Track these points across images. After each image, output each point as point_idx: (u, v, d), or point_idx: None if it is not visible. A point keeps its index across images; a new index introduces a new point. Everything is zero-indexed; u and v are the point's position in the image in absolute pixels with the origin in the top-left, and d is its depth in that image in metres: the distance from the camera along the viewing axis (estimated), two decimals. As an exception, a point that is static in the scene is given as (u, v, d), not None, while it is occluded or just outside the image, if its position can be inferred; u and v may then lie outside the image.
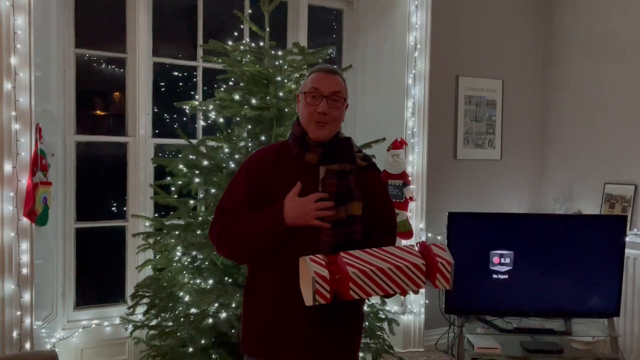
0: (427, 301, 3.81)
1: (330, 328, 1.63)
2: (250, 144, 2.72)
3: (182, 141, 2.89)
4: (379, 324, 2.86)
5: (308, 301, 1.44)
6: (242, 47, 2.86)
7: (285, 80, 2.79)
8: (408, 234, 3.59)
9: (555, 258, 3.23)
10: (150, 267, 2.96)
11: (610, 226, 3.24)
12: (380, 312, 2.91)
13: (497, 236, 3.26)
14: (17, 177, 2.56)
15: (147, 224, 2.99)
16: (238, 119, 2.77)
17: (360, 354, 2.66)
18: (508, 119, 4.35)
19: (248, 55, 2.81)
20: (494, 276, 3.25)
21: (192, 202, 2.80)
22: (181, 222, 2.74)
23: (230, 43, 2.89)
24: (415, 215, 3.74)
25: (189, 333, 2.50)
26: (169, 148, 3.19)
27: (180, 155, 2.81)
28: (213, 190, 2.69)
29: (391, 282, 1.47)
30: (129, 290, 3.31)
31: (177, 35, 3.67)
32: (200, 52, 3.46)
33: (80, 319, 3.25)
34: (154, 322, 2.71)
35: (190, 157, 2.73)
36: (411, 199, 3.60)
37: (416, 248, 1.57)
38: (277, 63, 2.78)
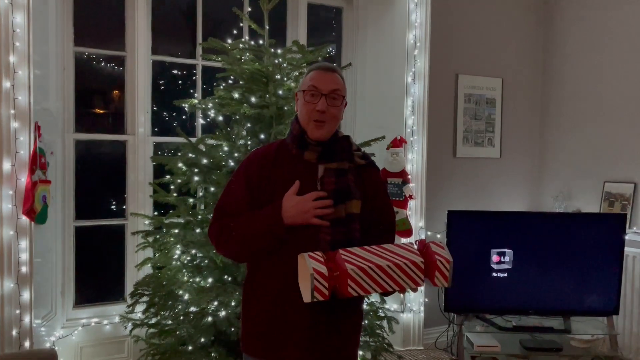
0: (426, 299, 3.82)
1: (329, 326, 1.62)
2: (249, 142, 2.71)
3: (181, 139, 2.89)
4: (378, 322, 2.86)
5: (306, 298, 1.44)
6: (241, 45, 2.85)
7: (285, 79, 2.78)
8: (407, 232, 3.59)
9: (555, 256, 3.23)
10: (149, 265, 2.96)
11: (609, 224, 3.24)
12: (380, 311, 2.91)
13: (496, 234, 3.26)
14: (16, 175, 2.56)
15: (147, 222, 2.99)
16: (237, 117, 2.77)
17: (360, 352, 2.66)
18: (507, 117, 4.35)
19: (247, 54, 2.81)
20: (494, 274, 3.25)
21: (191, 200, 2.80)
22: (180, 220, 2.74)
23: (229, 41, 2.88)
24: (414, 213, 3.74)
25: (189, 331, 2.50)
26: (168, 146, 3.20)
27: (179, 154, 2.80)
28: (212, 189, 2.69)
29: (390, 280, 1.47)
30: (129, 288, 3.31)
31: (177, 33, 3.67)
32: (199, 50, 3.46)
33: (79, 317, 3.25)
34: (153, 321, 2.71)
35: (190, 155, 2.73)
36: (411, 197, 3.60)
37: (415, 246, 1.56)
38: (276, 61, 2.78)
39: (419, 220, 3.78)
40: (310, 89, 1.64)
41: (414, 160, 3.76)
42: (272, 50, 2.81)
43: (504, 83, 4.32)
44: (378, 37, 3.97)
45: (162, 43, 3.46)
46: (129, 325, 2.82)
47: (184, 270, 2.72)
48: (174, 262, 2.79)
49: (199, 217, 2.70)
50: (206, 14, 3.51)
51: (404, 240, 3.56)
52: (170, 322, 2.65)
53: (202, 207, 2.81)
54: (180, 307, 2.60)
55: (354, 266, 1.43)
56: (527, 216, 3.59)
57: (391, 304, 3.65)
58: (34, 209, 2.60)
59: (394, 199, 3.52)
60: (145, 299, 2.73)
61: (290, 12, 3.85)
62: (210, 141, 2.83)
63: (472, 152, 4.21)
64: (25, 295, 2.61)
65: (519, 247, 3.24)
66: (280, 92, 2.71)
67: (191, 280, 2.67)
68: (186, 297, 2.59)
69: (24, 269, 2.60)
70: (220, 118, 2.89)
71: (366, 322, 2.76)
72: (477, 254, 3.25)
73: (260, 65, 2.76)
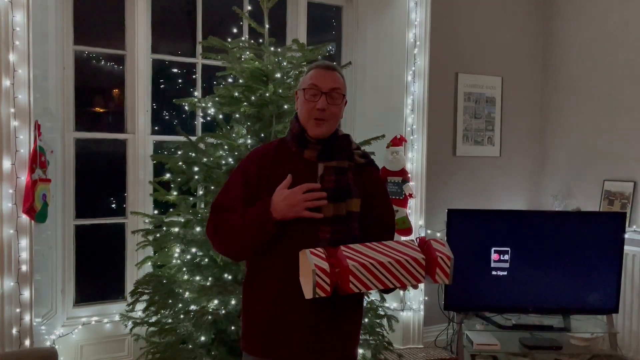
0: (426, 298, 3.82)
1: (329, 326, 1.62)
2: (249, 141, 2.71)
3: (181, 138, 2.89)
4: (378, 321, 2.86)
5: (308, 294, 1.44)
6: (241, 43, 2.85)
7: (285, 77, 2.78)
8: (407, 231, 3.60)
9: (555, 255, 3.23)
10: (149, 264, 2.96)
11: (609, 223, 3.25)
12: (380, 309, 2.91)
13: (496, 233, 3.26)
14: (16, 174, 2.56)
15: (147, 220, 2.99)
16: (237, 115, 2.77)
17: (360, 351, 2.66)
18: (507, 116, 4.35)
19: (247, 52, 2.80)
20: (493, 273, 3.25)
21: (191, 199, 2.80)
22: (181, 219, 2.74)
23: (229, 40, 2.88)
24: (414, 212, 3.74)
25: (189, 330, 2.50)
26: (168, 145, 3.19)
27: (179, 152, 2.80)
28: (212, 187, 2.69)
29: (391, 276, 1.47)
30: (129, 287, 3.31)
31: (176, 32, 3.66)
32: (199, 48, 3.45)
33: (79, 316, 3.25)
34: (153, 319, 2.71)
35: (190, 154, 2.73)
36: (410, 195, 3.60)
37: (416, 243, 1.57)
38: (276, 60, 2.78)
39: (419, 219, 3.78)
40: (310, 87, 1.64)
41: (414, 159, 3.76)
42: (272, 48, 2.81)
43: (504, 81, 4.32)
44: (378, 35, 3.97)
45: (162, 42, 3.46)
46: (129, 324, 2.82)
47: (184, 269, 2.72)
48: (174, 261, 2.79)
49: (199, 215, 2.70)
50: (206, 12, 3.51)
51: (403, 239, 3.56)
52: (170, 320, 2.65)
53: (202, 205, 2.81)
54: (180, 305, 2.60)
55: (355, 262, 1.44)
56: (526, 215, 3.59)
57: (391, 302, 3.66)
58: (34, 208, 2.60)
59: (393, 197, 3.53)
60: (145, 297, 2.72)
61: (290, 10, 3.85)
62: (210, 140, 2.83)
63: (472, 151, 4.21)
64: (26, 293, 2.61)
65: (518, 246, 3.24)
66: (280, 90, 2.71)
67: (191, 278, 2.67)
68: (186, 295, 2.59)
69: (24, 268, 2.60)
70: (220, 117, 2.89)
71: (366, 320, 2.76)
72: (477, 252, 3.25)
73: (260, 63, 2.76)
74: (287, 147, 1.71)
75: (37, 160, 2.64)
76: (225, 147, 2.73)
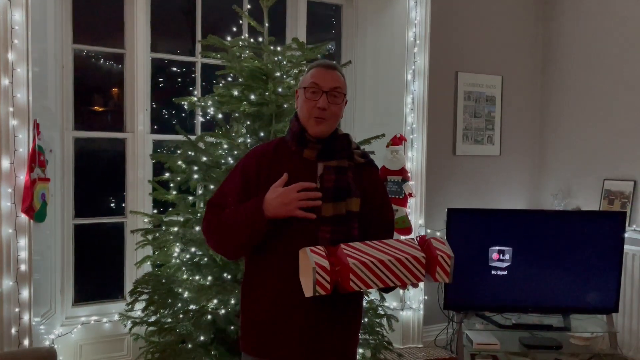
0: (426, 297, 3.82)
1: (328, 325, 1.62)
2: (249, 140, 2.71)
3: (180, 137, 2.88)
4: (378, 320, 2.86)
5: (308, 292, 1.44)
6: (241, 42, 2.84)
7: (284, 76, 2.78)
8: (407, 230, 3.59)
9: (554, 254, 3.23)
10: (149, 263, 2.96)
11: (609, 222, 3.24)
12: (380, 308, 2.91)
13: (496, 232, 3.26)
14: (15, 173, 2.55)
15: (146, 220, 2.99)
16: (237, 114, 2.76)
17: (360, 350, 2.66)
18: (507, 115, 4.35)
19: (247, 51, 2.80)
20: (493, 272, 3.25)
21: (191, 198, 2.80)
22: (180, 218, 2.73)
23: (229, 38, 2.87)
24: (414, 211, 3.74)
25: (188, 329, 2.49)
26: (167, 144, 3.19)
27: (179, 151, 2.80)
28: (212, 187, 2.68)
29: (391, 274, 1.47)
30: (128, 286, 3.31)
31: (176, 30, 3.66)
32: (198, 47, 3.44)
33: (79, 315, 3.25)
34: (152, 319, 2.71)
35: (189, 153, 2.73)
36: (410, 195, 3.59)
37: (416, 242, 1.56)
38: (276, 59, 2.77)
39: (419, 218, 3.77)
40: (311, 86, 1.64)
41: (414, 158, 3.76)
42: (272, 47, 2.80)
43: (504, 81, 4.32)
44: (378, 34, 3.96)
45: (161, 40, 3.45)
46: (129, 323, 2.82)
47: (183, 268, 2.72)
48: (173, 260, 2.79)
49: (199, 215, 2.69)
50: (205, 11, 3.50)
51: (403, 237, 3.55)
52: (169, 320, 2.64)
53: (202, 204, 2.80)
54: (179, 305, 2.60)
55: (355, 260, 1.43)
56: (526, 214, 3.59)
57: (391, 301, 3.65)
58: (33, 207, 2.59)
59: (393, 196, 3.52)
60: (144, 297, 2.72)
61: (290, 9, 3.84)
62: (210, 139, 2.82)
63: (472, 150, 4.21)
64: (25, 293, 2.61)
65: (518, 245, 3.24)
66: (280, 89, 2.70)
67: (191, 278, 2.67)
68: (186, 295, 2.58)
69: (23, 267, 2.60)
70: (220, 116, 2.88)
71: (366, 320, 2.76)
72: (476, 251, 3.25)
73: (260, 62, 2.75)
74: (287, 146, 1.70)
75: (36, 159, 2.63)
76: (225, 146, 2.72)
